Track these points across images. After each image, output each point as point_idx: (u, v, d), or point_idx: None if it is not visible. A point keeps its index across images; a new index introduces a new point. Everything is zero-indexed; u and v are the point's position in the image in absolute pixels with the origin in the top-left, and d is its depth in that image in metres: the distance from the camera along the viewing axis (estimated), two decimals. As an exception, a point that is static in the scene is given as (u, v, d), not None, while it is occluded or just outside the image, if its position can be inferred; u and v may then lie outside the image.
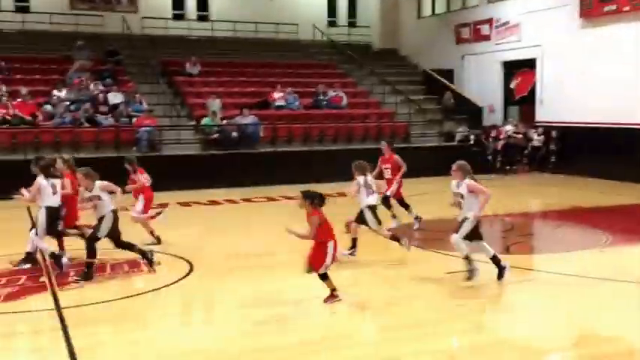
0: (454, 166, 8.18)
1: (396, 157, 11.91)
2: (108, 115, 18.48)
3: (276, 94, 20.92)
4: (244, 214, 10.88)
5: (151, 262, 8.99)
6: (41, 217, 8.93)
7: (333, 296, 7.38)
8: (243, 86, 21.80)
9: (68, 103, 18.36)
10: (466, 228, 8.09)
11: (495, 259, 8.21)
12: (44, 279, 8.71)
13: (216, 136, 18.74)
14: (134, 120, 18.45)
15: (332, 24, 27.59)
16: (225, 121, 19.21)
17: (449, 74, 24.54)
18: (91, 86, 19.21)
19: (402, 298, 7.76)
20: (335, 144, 19.82)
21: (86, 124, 17.95)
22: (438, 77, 24.24)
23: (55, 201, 8.98)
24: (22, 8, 23.09)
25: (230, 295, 8.02)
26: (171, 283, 8.46)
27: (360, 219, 9.42)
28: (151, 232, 10.69)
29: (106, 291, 8.16)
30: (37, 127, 17.39)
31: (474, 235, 8.17)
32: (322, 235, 7.29)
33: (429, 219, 11.91)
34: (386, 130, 20.87)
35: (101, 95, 19.06)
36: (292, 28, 25.44)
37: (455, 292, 8.05)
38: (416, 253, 9.84)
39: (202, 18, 25.55)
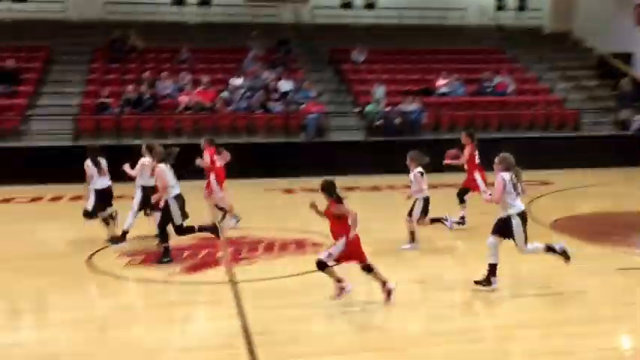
0: (496, 159, 7.71)
1: (472, 149, 11.04)
2: (278, 101, 19.53)
3: (441, 81, 20.86)
4: (406, 201, 11.23)
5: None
6: (138, 196, 10.03)
7: (340, 289, 7.16)
8: (408, 73, 21.94)
9: (243, 90, 19.65)
10: (519, 229, 7.51)
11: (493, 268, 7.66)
12: (221, 254, 9.61)
13: (379, 122, 19.12)
14: (302, 106, 19.34)
15: (501, 8, 26.78)
16: (388, 108, 19.53)
17: (627, 58, 22.95)
18: (264, 74, 20.37)
19: (572, 293, 7.63)
20: (500, 132, 19.40)
21: (259, 111, 19.13)
22: (615, 62, 22.76)
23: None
24: (204, 2, 24.90)
25: (391, 278, 8.33)
26: (335, 265, 8.93)
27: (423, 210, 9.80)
28: (229, 209, 11.35)
29: (276, 268, 8.83)
30: (216, 113, 18.82)
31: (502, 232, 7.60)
32: (337, 228, 7.02)
33: (593, 213, 11.41)
34: (555, 118, 20.09)
35: (273, 83, 20.15)
36: (459, 13, 25.09)
37: (628, 289, 7.78)
38: (584, 247, 9.55)
39: (369, 6, 25.93)
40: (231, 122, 18.55)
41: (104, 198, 10.18)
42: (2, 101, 18.44)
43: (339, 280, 7.13)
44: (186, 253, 9.59)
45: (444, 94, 20.65)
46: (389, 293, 7.17)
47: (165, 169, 9.00)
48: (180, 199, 9.09)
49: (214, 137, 12.02)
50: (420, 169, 9.86)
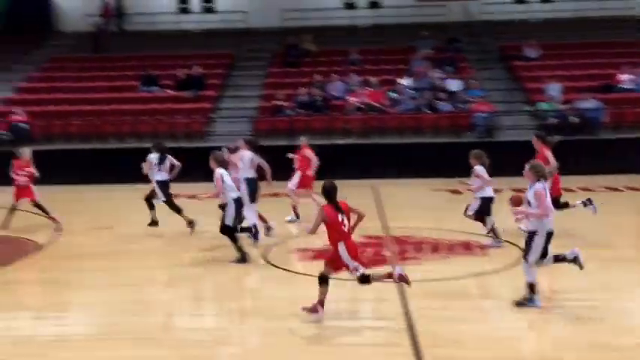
0: (526, 166, 7.11)
1: (548, 152, 10.38)
2: (447, 101, 19.39)
3: (623, 76, 19.50)
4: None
5: (255, 237, 10.04)
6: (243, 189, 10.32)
7: (313, 309, 6.90)
8: (586, 68, 20.75)
9: (411, 90, 19.75)
10: (537, 248, 6.98)
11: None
12: (387, 253, 9.82)
13: (554, 121, 18.31)
14: (471, 105, 19.05)
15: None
16: (564, 106, 18.64)
17: None
18: (432, 74, 20.31)
19: None
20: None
21: (426, 111, 19.14)
22: None
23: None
24: (374, 4, 25.35)
25: (555, 282, 8.06)
26: (502, 268, 8.80)
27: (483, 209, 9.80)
28: (294, 207, 12.04)
29: (442, 269, 8.87)
30: (385, 113, 19.11)
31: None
32: (333, 235, 6.81)
33: None
34: None
35: (441, 82, 20.04)
36: (647, 2, 23.29)
37: None
38: None
39: (544, -1, 24.88)
40: (399, 122, 18.75)
41: (165, 189, 11.48)
42: (190, 105, 20.13)
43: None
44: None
45: (627, 90, 19.29)
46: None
47: (223, 174, 9.52)
48: (238, 202, 9.55)
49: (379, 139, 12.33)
50: (479, 167, 9.80)
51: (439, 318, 7.03)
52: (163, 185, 11.67)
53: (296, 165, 12.48)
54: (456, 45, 22.30)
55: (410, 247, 9.98)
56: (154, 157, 11.68)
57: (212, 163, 9.60)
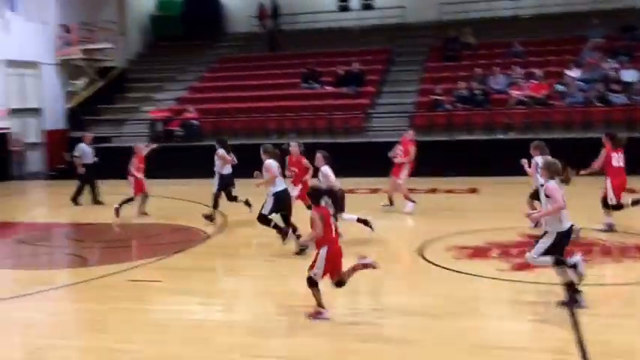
0: (541, 165, 6.95)
1: (606, 152, 10.31)
2: (620, 93, 18.04)
3: None
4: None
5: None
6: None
7: (317, 312, 6.82)
8: None
9: (580, 82, 18.60)
10: (544, 244, 6.86)
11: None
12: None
13: None
14: (649, 98, 17.58)
15: None
16: None
17: None
18: (604, 64, 18.99)
19: None
20: None
21: (597, 104, 17.93)
22: None
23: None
24: (540, -7, 24.18)
25: None
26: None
27: (536, 195, 9.43)
28: (406, 196, 12.46)
29: (614, 274, 8.25)
30: (550, 107, 18.16)
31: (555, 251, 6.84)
32: (320, 237, 6.75)
33: None
34: None
35: (614, 73, 18.68)
36: None
37: None
38: None
39: None
40: (566, 116, 17.73)
41: (228, 182, 12.09)
42: (349, 101, 20.41)
43: (320, 305, 6.88)
44: (516, 251, 9.54)
45: None
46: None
47: (272, 164, 9.64)
48: (282, 194, 9.65)
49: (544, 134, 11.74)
50: (540, 158, 9.47)
51: (609, 326, 6.54)
52: (229, 178, 12.21)
53: (400, 157, 12.67)
54: (632, 33, 20.66)
55: (578, 250, 9.37)
56: (223, 151, 12.18)
57: (263, 155, 9.88)
